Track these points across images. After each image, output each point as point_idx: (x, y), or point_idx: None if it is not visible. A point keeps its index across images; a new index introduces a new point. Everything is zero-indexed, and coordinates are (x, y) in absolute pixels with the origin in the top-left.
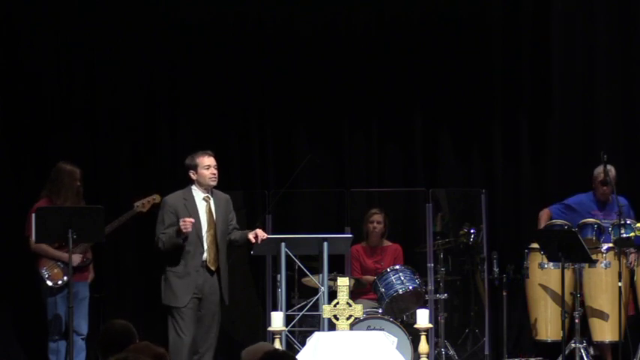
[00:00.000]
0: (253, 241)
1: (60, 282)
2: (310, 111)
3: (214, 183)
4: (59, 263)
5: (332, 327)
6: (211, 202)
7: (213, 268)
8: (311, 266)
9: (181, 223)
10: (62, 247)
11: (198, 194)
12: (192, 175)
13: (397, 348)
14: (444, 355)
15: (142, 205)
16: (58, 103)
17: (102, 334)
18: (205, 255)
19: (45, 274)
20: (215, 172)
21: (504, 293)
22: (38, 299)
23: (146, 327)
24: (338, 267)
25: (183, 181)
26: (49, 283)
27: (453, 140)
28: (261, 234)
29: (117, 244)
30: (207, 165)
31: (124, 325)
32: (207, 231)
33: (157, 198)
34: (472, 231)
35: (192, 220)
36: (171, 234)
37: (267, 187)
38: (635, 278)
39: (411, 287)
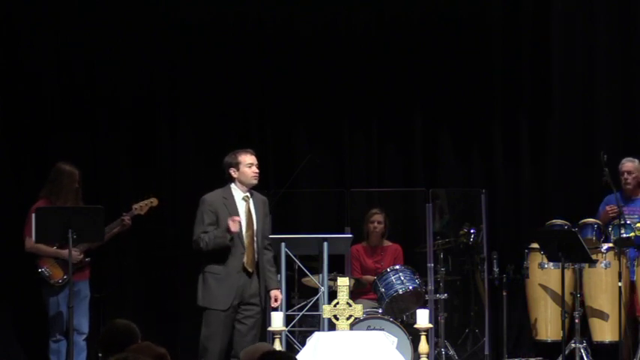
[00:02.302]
0: (275, 304)
1: (60, 280)
2: (310, 111)
3: (255, 181)
4: (59, 262)
5: (332, 327)
6: (250, 202)
7: (250, 270)
8: (311, 266)
9: (230, 223)
10: (61, 246)
11: (238, 193)
12: (232, 174)
13: (397, 348)
14: (444, 355)
15: (140, 207)
16: (58, 103)
17: (103, 333)
18: (245, 257)
19: (45, 273)
20: (257, 170)
21: (504, 293)
22: (38, 299)
23: (146, 327)
24: (338, 267)
25: (183, 181)
26: (50, 281)
27: (453, 140)
28: (280, 298)
29: (117, 244)
30: (249, 163)
31: (126, 325)
32: (247, 231)
33: (154, 201)
34: (472, 231)
35: (239, 218)
36: (217, 234)
37: (267, 187)
38: (635, 278)
39: (411, 287)
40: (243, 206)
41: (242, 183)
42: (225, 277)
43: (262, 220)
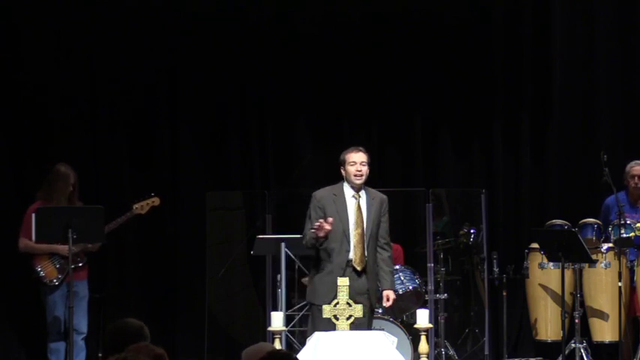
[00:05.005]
0: (387, 304)
1: (55, 280)
2: (311, 111)
3: (358, 181)
4: (54, 262)
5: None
6: (361, 200)
7: (359, 269)
8: None
9: (315, 225)
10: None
11: (348, 191)
12: (342, 171)
13: (397, 348)
14: (444, 355)
15: (141, 207)
16: (58, 103)
17: (114, 330)
18: (351, 254)
19: (40, 272)
20: (361, 169)
21: (504, 293)
22: (38, 299)
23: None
24: None
25: (184, 181)
26: (44, 281)
27: (452, 140)
28: (392, 299)
29: (118, 244)
30: (352, 161)
31: (138, 325)
32: (355, 229)
33: (156, 201)
34: (472, 231)
35: (328, 224)
36: (310, 234)
37: (267, 187)
38: (635, 278)
39: (411, 287)
40: (353, 204)
41: (348, 181)
42: (329, 274)
43: (375, 219)
